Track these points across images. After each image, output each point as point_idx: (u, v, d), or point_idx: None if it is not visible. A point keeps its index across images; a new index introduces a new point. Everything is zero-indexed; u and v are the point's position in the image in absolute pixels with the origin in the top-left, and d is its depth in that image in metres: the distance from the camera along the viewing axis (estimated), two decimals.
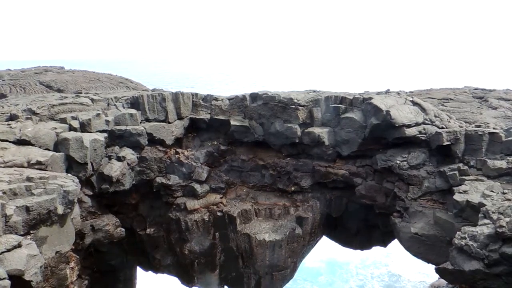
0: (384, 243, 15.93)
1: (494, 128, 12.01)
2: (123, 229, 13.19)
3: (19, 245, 7.32)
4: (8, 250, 7.09)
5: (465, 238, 9.10)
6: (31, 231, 8.41)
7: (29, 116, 12.24)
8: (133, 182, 13.59)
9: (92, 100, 13.95)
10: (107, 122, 12.96)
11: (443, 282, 17.35)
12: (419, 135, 12.41)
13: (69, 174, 10.60)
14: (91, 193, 12.45)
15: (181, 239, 14.42)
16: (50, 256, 9.18)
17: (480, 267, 8.64)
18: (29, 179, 8.94)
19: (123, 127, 13.22)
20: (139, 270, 17.40)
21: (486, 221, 9.17)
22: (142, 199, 14.61)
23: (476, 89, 19.97)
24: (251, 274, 14.73)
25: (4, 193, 8.07)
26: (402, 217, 12.39)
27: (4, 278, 6.55)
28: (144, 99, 14.08)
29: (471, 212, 10.11)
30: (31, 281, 7.25)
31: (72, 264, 10.37)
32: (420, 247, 11.57)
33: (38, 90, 18.11)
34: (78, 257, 10.98)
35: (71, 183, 9.59)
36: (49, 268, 9.38)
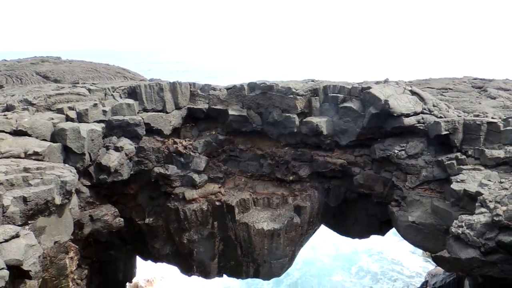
0: (381, 232, 16.00)
1: (492, 118, 11.98)
2: (121, 219, 13.23)
3: (17, 236, 7.35)
4: (6, 241, 7.12)
5: (462, 226, 9.14)
6: (29, 222, 8.44)
7: (26, 107, 12.18)
8: (131, 172, 13.59)
9: (89, 90, 13.88)
10: (105, 112, 12.91)
11: (440, 270, 17.50)
12: (418, 125, 12.40)
13: (66, 165, 10.61)
14: (89, 184, 12.44)
15: (180, 228, 14.47)
16: (49, 246, 9.23)
17: (477, 255, 8.69)
18: (26, 169, 8.94)
19: (120, 117, 13.17)
20: (138, 260, 17.51)
21: (483, 209, 9.20)
22: (140, 189, 14.62)
23: (475, 79, 19.91)
24: (250, 262, 14.83)
25: (1, 184, 8.07)
26: (399, 206, 12.43)
27: (2, 268, 6.58)
28: (141, 89, 14.02)
29: (468, 201, 10.13)
30: (30, 271, 7.29)
31: (71, 254, 10.42)
32: (418, 236, 11.62)
33: (34, 80, 17.97)
34: (77, 247, 11.02)
35: (68, 173, 9.59)
36: (48, 258, 9.44)
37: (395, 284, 27.83)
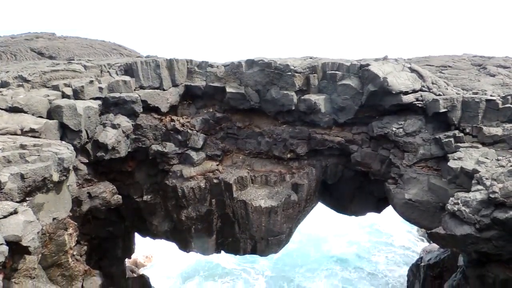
0: (378, 209, 16.17)
1: (491, 95, 11.92)
2: (119, 196, 13.29)
3: (15, 212, 7.36)
4: (5, 217, 7.13)
5: (458, 203, 9.20)
6: (27, 198, 8.45)
7: (21, 83, 12.03)
8: (129, 150, 13.57)
9: (85, 67, 13.71)
10: (101, 89, 12.78)
11: (435, 246, 17.78)
12: (416, 102, 12.33)
13: (63, 142, 10.57)
14: (87, 161, 12.44)
15: (178, 205, 14.56)
16: (48, 223, 9.27)
17: (472, 232, 8.79)
18: (23, 146, 8.89)
19: (117, 94, 13.05)
20: (137, 236, 17.69)
21: (479, 187, 9.26)
22: (138, 166, 14.63)
23: (475, 56, 19.75)
24: (247, 239, 14.99)
25: None
26: (396, 184, 12.50)
27: (1, 244, 6.61)
28: (138, 66, 13.84)
29: (465, 179, 10.19)
30: (29, 246, 7.33)
31: (70, 231, 10.50)
32: (414, 213, 11.73)
33: (29, 57, 17.72)
34: (76, 223, 11.11)
35: (65, 150, 9.55)
36: (47, 235, 9.50)
37: (388, 256, 28.41)
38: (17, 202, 7.94)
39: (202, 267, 26.14)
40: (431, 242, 19.12)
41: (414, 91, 12.46)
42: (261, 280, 25.76)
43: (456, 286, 11.82)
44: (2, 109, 10.57)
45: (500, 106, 11.32)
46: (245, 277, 26.05)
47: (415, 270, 18.38)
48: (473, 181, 9.59)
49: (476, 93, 12.32)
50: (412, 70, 13.23)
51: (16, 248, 7.26)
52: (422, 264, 17.14)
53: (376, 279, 25.38)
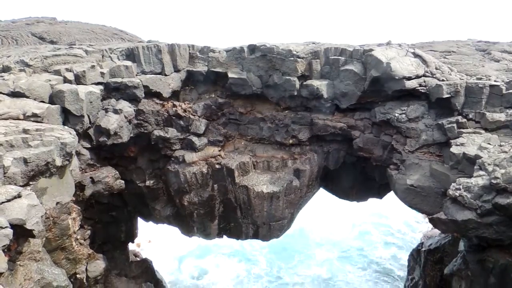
0: (380, 195, 16.23)
1: (495, 81, 11.83)
2: (122, 181, 13.36)
3: (19, 196, 7.41)
4: (8, 200, 7.18)
5: (459, 189, 9.23)
6: (31, 182, 8.51)
7: (22, 68, 12.01)
8: (131, 135, 13.59)
9: (86, 51, 13.64)
10: (102, 74, 12.74)
11: (436, 232, 17.85)
12: (419, 88, 12.25)
13: (65, 127, 10.58)
14: (89, 146, 12.47)
15: (180, 191, 14.63)
16: (51, 207, 9.35)
17: (473, 217, 8.83)
18: (25, 131, 8.92)
19: (118, 80, 13.02)
20: (140, 221, 17.84)
21: (482, 172, 9.26)
22: (140, 151, 14.67)
23: (479, 41, 19.52)
24: (249, 224, 15.11)
25: (0, 145, 8.06)
26: (398, 169, 12.50)
27: (6, 227, 6.68)
28: (139, 51, 13.77)
29: (467, 164, 10.18)
30: (33, 230, 7.40)
31: (73, 215, 10.60)
32: (415, 198, 11.76)
33: (30, 41, 17.60)
34: (79, 208, 11.20)
35: (68, 135, 9.58)
36: (51, 219, 9.60)
37: (387, 239, 28.66)
38: (20, 186, 8.00)
39: (202, 246, 26.27)
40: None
41: (418, 77, 12.37)
42: (261, 258, 26.16)
43: (456, 271, 11.90)
44: (4, 93, 10.57)
45: (504, 92, 11.23)
46: (246, 252, 26.42)
47: (415, 255, 18.51)
48: (475, 167, 9.59)
49: (480, 79, 12.22)
50: (416, 55, 13.11)
51: (20, 231, 7.33)
52: (423, 249, 17.24)
53: (376, 264, 25.62)
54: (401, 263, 24.83)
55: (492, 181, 8.56)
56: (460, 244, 12.48)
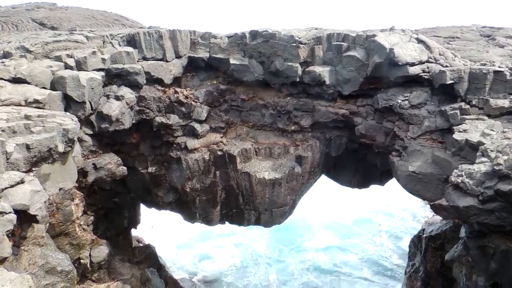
0: (381, 182, 16.24)
1: (499, 67, 11.71)
2: (125, 168, 13.40)
3: (22, 181, 7.46)
4: (12, 186, 7.23)
5: (461, 175, 9.21)
6: (33, 168, 8.54)
7: (23, 54, 11.96)
8: (133, 122, 13.58)
9: (87, 37, 13.55)
10: (103, 60, 12.68)
11: (437, 219, 17.91)
12: (422, 74, 12.15)
13: (67, 113, 10.58)
14: (91, 132, 12.49)
15: (183, 177, 14.67)
16: (54, 193, 9.40)
17: (474, 203, 8.82)
18: (27, 117, 8.92)
19: (120, 66, 12.95)
20: (142, 207, 17.96)
21: (484, 159, 9.23)
22: (142, 138, 14.68)
23: (483, 27, 19.30)
24: (251, 210, 15.18)
25: (3, 131, 8.08)
26: (400, 156, 12.48)
27: (9, 212, 6.73)
28: (140, 37, 13.67)
29: (470, 151, 10.15)
30: (37, 215, 7.46)
31: (76, 201, 10.67)
32: (417, 185, 11.76)
33: (30, 27, 17.52)
34: (82, 194, 11.26)
35: (70, 121, 9.58)
36: (54, 205, 9.66)
37: (387, 225, 28.83)
38: (23, 172, 8.03)
39: (203, 231, 26.42)
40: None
41: (421, 63, 12.26)
42: (262, 242, 26.40)
43: (457, 257, 11.97)
44: (5, 79, 10.54)
45: (508, 78, 11.13)
46: (247, 237, 26.64)
47: (416, 241, 18.60)
48: (477, 153, 9.56)
49: (484, 65, 12.10)
50: (419, 41, 12.97)
51: (24, 217, 7.40)
52: (424, 235, 17.31)
53: (377, 250, 25.79)
54: (402, 249, 24.99)
55: (495, 167, 8.54)
56: (461, 230, 12.53)
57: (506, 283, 9.84)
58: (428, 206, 25.86)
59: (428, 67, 12.21)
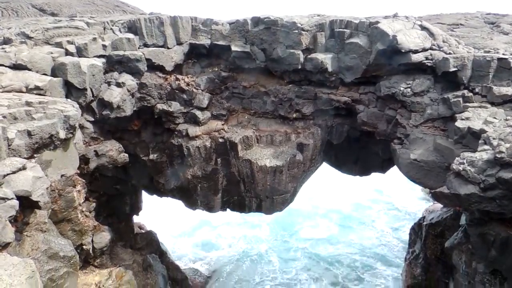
0: (383, 169, 16.25)
1: (503, 54, 11.60)
2: (126, 155, 13.43)
3: (23, 168, 7.47)
4: (14, 172, 7.24)
5: (463, 163, 9.19)
6: (35, 155, 8.56)
7: (24, 40, 11.89)
8: (134, 109, 13.56)
9: (88, 24, 13.45)
10: (104, 47, 12.61)
11: (438, 206, 17.98)
12: (426, 61, 12.04)
13: (68, 100, 10.55)
14: (93, 119, 12.48)
15: (184, 164, 14.69)
16: (56, 179, 9.44)
17: (476, 191, 8.83)
18: (28, 103, 8.91)
19: (120, 52, 12.88)
20: (144, 194, 18.04)
21: (486, 147, 9.21)
22: (144, 125, 14.68)
23: (488, 14, 19.09)
24: (253, 198, 15.22)
25: (4, 117, 8.07)
26: (402, 144, 12.46)
27: (12, 198, 6.76)
28: (141, 23, 13.56)
29: (472, 139, 10.12)
30: (39, 201, 7.49)
31: (78, 188, 10.72)
32: (418, 173, 11.76)
33: (30, 13, 17.40)
34: (84, 181, 11.31)
35: (71, 108, 9.56)
36: (56, 191, 9.71)
37: (388, 213, 28.96)
38: (25, 158, 8.05)
39: (204, 217, 26.53)
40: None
41: (424, 50, 12.14)
42: (264, 227, 26.60)
43: (456, 244, 12.05)
44: (6, 66, 10.50)
45: None
46: (249, 221, 26.82)
47: (417, 229, 18.71)
48: (480, 141, 9.53)
49: (488, 52, 11.99)
50: (423, 28, 12.84)
51: (26, 203, 7.43)
52: (424, 223, 17.40)
53: (377, 237, 25.95)
54: (402, 237, 25.13)
55: (497, 155, 8.52)
56: (462, 218, 12.59)
57: (506, 270, 9.92)
58: (428, 195, 25.92)
59: (431, 55, 12.11)
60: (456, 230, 12.98)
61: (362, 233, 26.61)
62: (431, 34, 12.64)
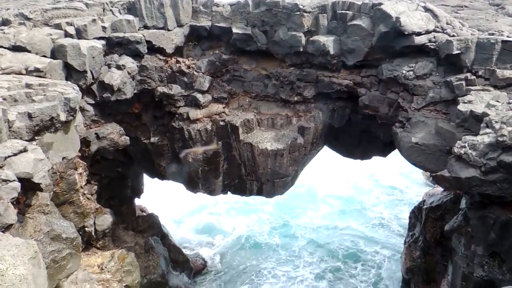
0: (384, 153, 16.26)
1: (507, 36, 11.45)
2: (127, 137, 13.43)
3: (25, 150, 7.49)
4: (15, 154, 7.27)
5: (465, 147, 9.17)
6: (36, 137, 8.57)
7: (22, 21, 11.75)
8: (135, 91, 13.50)
9: (87, 5, 13.26)
10: (104, 28, 12.47)
11: (438, 190, 18.02)
12: (429, 44, 11.89)
13: (69, 82, 10.52)
14: (93, 102, 12.45)
15: (185, 147, 14.70)
16: (58, 162, 9.47)
17: (477, 174, 8.83)
18: (28, 86, 8.88)
19: (120, 34, 12.75)
20: (145, 177, 18.11)
21: (488, 130, 9.17)
22: (144, 108, 14.63)
23: None
24: (253, 181, 15.28)
25: (4, 99, 8.04)
26: (403, 127, 12.40)
27: (13, 180, 6.79)
28: (141, 4, 13.37)
29: (474, 122, 10.07)
30: (40, 183, 7.52)
31: (80, 170, 10.77)
32: (420, 156, 11.74)
33: None
34: (85, 163, 11.35)
35: (71, 90, 9.54)
36: (58, 174, 9.75)
37: (387, 197, 29.07)
38: (26, 141, 8.05)
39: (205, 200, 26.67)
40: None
41: (428, 32, 11.98)
42: (266, 209, 26.79)
43: (456, 227, 12.11)
44: (5, 47, 10.42)
45: None
46: (250, 205, 26.99)
47: (416, 212, 18.76)
48: (482, 125, 9.48)
49: (492, 34, 11.83)
50: (427, 10, 12.64)
51: (28, 185, 7.47)
52: (424, 206, 17.44)
53: (377, 220, 26.11)
54: (402, 220, 25.28)
55: (499, 138, 8.50)
56: (462, 201, 12.61)
57: (505, 252, 10.00)
58: (428, 179, 25.93)
59: (434, 37, 11.95)
60: (456, 214, 13.02)
61: (362, 216, 26.74)
62: (435, 16, 12.46)
